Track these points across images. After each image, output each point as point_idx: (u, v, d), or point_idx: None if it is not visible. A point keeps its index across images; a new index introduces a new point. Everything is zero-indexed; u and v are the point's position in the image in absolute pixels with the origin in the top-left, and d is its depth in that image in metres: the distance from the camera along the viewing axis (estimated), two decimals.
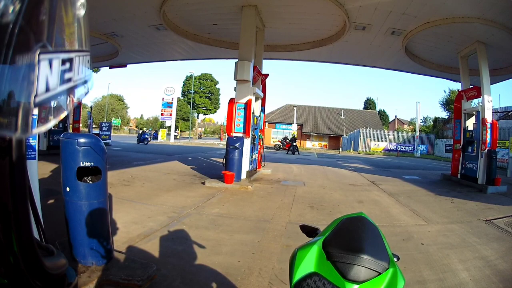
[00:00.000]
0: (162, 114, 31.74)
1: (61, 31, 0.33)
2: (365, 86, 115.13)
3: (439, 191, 7.70)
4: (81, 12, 0.37)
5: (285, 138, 25.85)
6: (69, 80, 0.35)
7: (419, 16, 7.75)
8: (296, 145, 22.21)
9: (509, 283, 2.80)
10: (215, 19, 9.15)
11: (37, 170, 2.63)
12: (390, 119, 52.27)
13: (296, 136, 24.42)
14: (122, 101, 57.54)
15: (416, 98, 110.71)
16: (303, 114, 38.86)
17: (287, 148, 23.63)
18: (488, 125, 8.41)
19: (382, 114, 50.09)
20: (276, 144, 26.41)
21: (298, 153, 21.91)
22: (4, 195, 0.31)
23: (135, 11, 8.82)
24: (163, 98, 31.28)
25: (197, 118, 60.14)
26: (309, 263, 0.85)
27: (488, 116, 8.52)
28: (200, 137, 49.85)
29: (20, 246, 0.33)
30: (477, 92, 9.07)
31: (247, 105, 7.76)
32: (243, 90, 7.87)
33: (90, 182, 2.50)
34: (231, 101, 7.87)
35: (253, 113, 8.25)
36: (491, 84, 8.91)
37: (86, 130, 21.20)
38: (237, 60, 7.90)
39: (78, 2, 0.36)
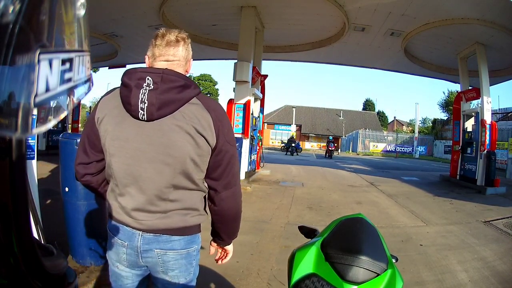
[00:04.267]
0: None
1: (61, 31, 0.33)
2: (364, 87, 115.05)
3: (438, 192, 7.70)
4: (81, 12, 0.37)
5: (328, 142, 21.62)
6: (69, 80, 0.35)
7: (419, 17, 7.76)
8: (295, 146, 22.22)
9: (508, 284, 2.81)
10: (215, 19, 9.15)
11: (36, 170, 2.62)
12: (389, 120, 52.19)
13: (295, 137, 24.26)
14: None
15: (415, 99, 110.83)
16: (302, 115, 38.83)
17: (329, 152, 21.05)
18: (487, 126, 8.41)
19: (381, 115, 50.05)
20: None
21: (297, 154, 21.92)
22: (4, 196, 0.31)
23: (134, 12, 8.81)
24: None
25: None
26: (307, 264, 0.85)
27: (487, 118, 8.52)
28: None
29: (20, 246, 0.33)
30: (476, 93, 9.08)
31: (246, 106, 7.76)
32: (242, 91, 7.87)
33: None
34: (230, 102, 7.87)
35: (252, 114, 8.25)
36: (490, 85, 8.91)
37: None
38: (236, 61, 7.90)
39: (78, 2, 0.36)
